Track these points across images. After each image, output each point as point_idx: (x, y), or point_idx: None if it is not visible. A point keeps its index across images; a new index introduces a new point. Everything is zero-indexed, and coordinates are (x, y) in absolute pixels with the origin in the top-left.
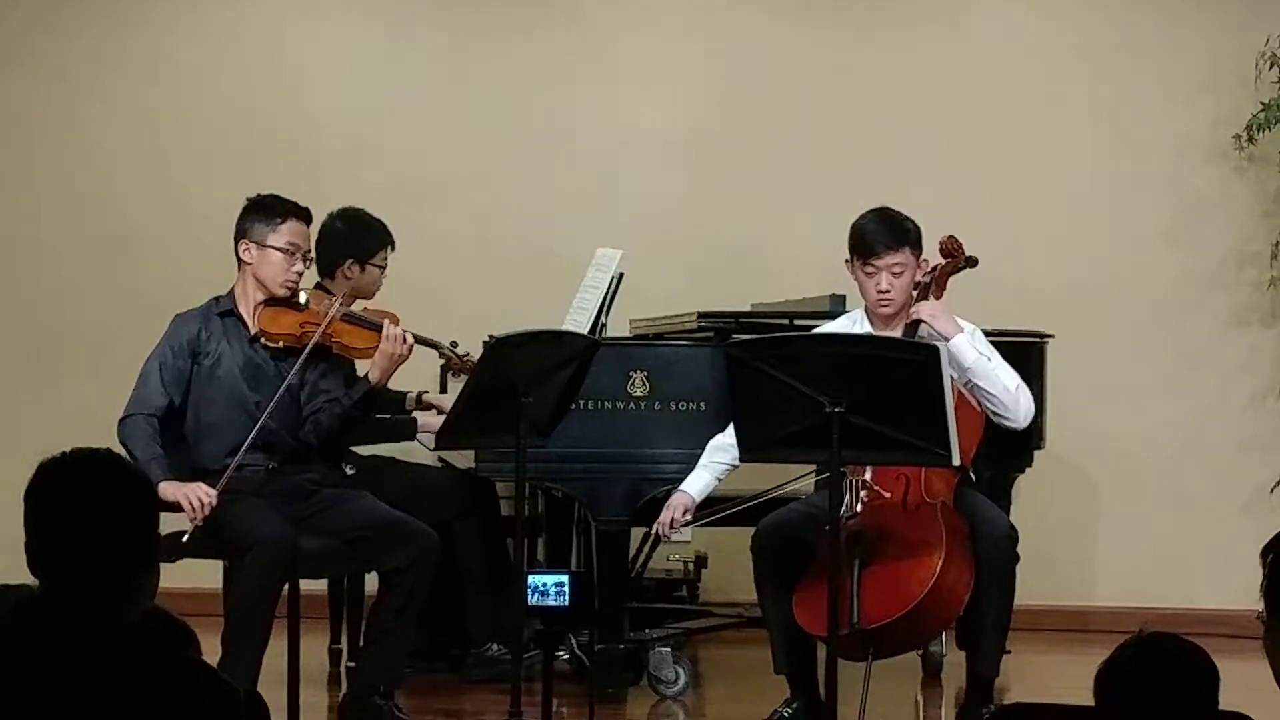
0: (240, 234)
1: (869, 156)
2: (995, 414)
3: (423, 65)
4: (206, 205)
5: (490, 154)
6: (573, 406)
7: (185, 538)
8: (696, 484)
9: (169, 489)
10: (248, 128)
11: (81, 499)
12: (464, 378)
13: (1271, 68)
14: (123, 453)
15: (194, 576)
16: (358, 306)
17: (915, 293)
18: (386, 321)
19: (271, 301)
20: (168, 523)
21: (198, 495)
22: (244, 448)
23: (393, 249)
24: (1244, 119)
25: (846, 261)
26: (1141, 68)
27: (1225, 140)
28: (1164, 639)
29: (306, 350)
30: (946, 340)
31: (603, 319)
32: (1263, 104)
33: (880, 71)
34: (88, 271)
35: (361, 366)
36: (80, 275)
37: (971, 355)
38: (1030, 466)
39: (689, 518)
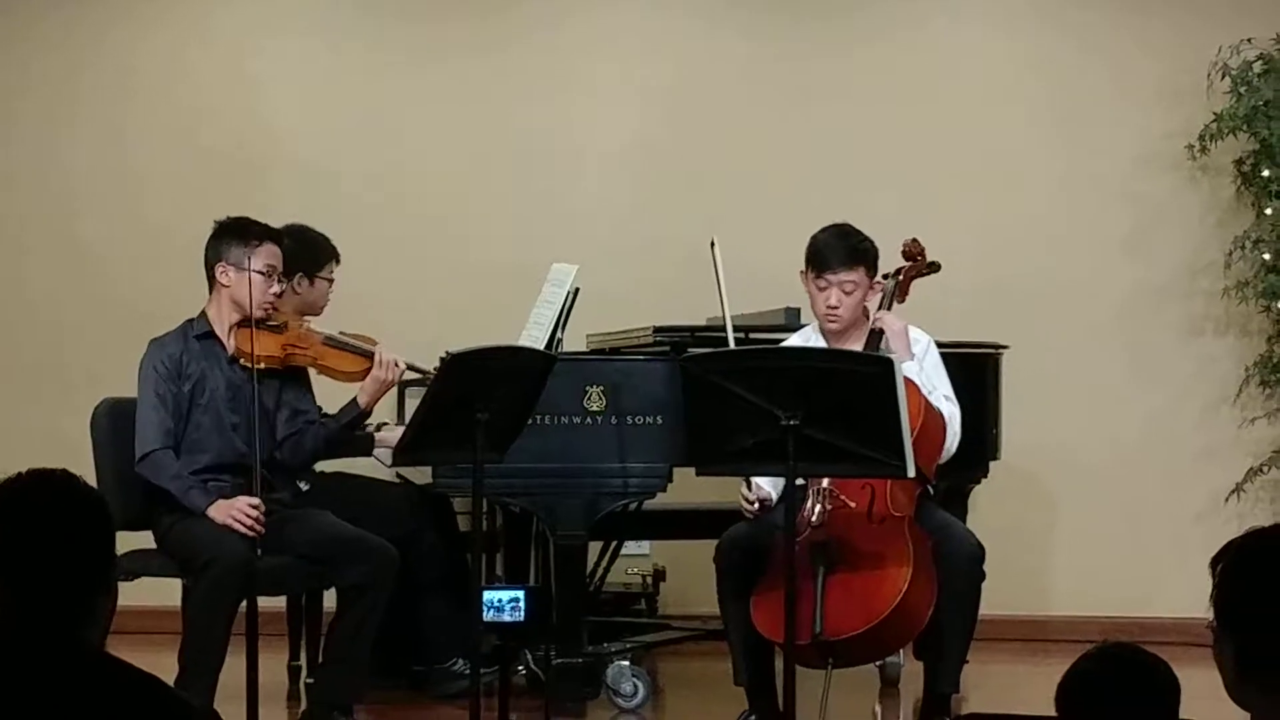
0: (215, 257)
1: (825, 170)
2: None
3: (385, 84)
4: (172, 222)
5: (450, 169)
6: (529, 422)
7: (260, 553)
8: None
9: (218, 513)
10: (214, 144)
11: (36, 520)
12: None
13: (1224, 78)
14: (81, 481)
15: (153, 595)
16: (334, 328)
17: (880, 299)
18: (379, 348)
19: (247, 322)
20: (126, 541)
21: (244, 512)
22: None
23: (338, 263)
24: (1197, 129)
25: (801, 272)
26: (1094, 78)
27: (1178, 150)
28: (1127, 649)
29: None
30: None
31: (559, 334)
32: (1215, 114)
33: (836, 85)
34: (51, 288)
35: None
36: (44, 291)
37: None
38: (986, 476)
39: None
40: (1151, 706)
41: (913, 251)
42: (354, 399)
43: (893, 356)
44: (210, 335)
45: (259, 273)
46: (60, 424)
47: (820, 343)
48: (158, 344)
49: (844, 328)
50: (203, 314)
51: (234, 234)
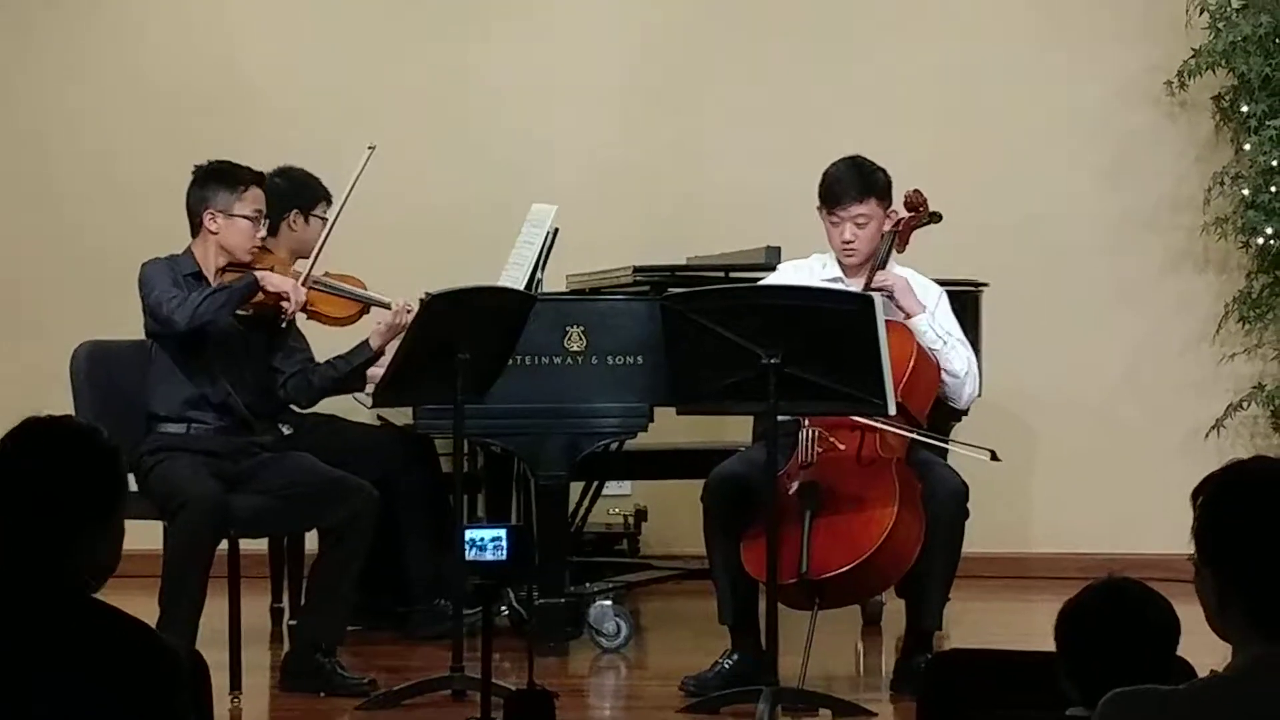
0: (202, 202)
1: (803, 105)
2: (940, 390)
3: (358, 22)
4: (134, 165)
5: (422, 109)
6: (510, 362)
7: (284, 324)
8: None
9: (273, 278)
10: (176, 87)
11: (47, 462)
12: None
13: (1202, 13)
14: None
15: (136, 538)
16: (319, 270)
17: (880, 249)
18: (397, 299)
19: (234, 267)
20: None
21: (299, 296)
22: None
23: (329, 204)
24: (1176, 65)
25: (818, 208)
26: (1073, 13)
27: (1157, 86)
28: (1129, 584)
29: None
30: (907, 316)
31: (539, 274)
32: (1194, 50)
33: (815, 20)
34: (12, 230)
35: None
36: (4, 234)
37: (930, 337)
38: (967, 414)
39: None
40: (1150, 643)
41: (915, 202)
42: (365, 341)
43: (874, 294)
44: (198, 276)
45: (247, 218)
46: (28, 366)
47: (835, 271)
48: (155, 261)
49: (862, 260)
50: (188, 252)
51: (220, 179)
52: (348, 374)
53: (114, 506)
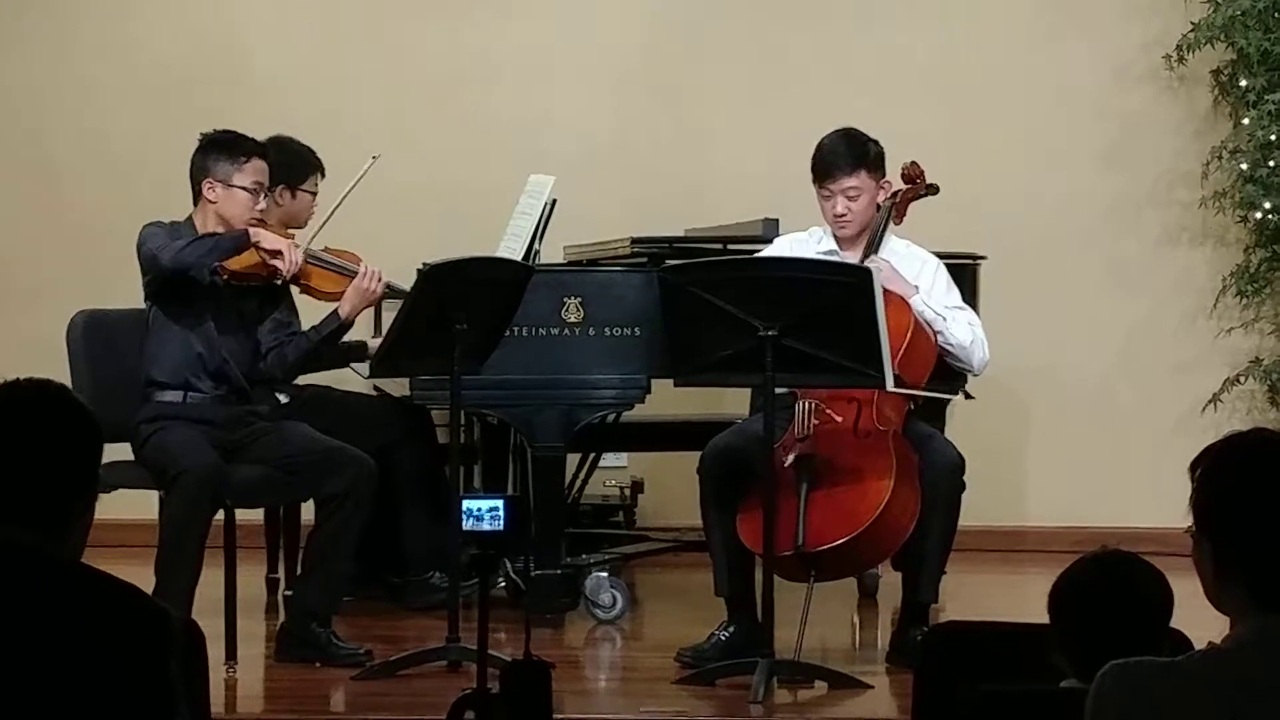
0: (202, 171)
1: (802, 80)
2: (951, 360)
3: None
4: (130, 137)
5: (420, 82)
6: (507, 333)
7: (280, 283)
8: None
9: (268, 236)
10: (171, 59)
11: (25, 426)
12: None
13: None
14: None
15: (131, 508)
16: (319, 245)
17: (879, 217)
18: (363, 263)
19: None
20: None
21: (294, 257)
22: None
23: (323, 176)
24: (1174, 39)
25: (812, 182)
26: None
27: (1156, 61)
28: (1124, 558)
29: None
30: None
31: (536, 245)
32: (1193, 24)
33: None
34: (6, 203)
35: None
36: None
37: (928, 316)
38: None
39: None
40: (1143, 616)
41: (911, 175)
42: (335, 310)
43: (872, 265)
44: None
45: (246, 189)
46: (22, 338)
47: (832, 245)
48: (154, 223)
49: (856, 233)
50: (189, 221)
51: (221, 148)
52: (319, 344)
53: (96, 472)
